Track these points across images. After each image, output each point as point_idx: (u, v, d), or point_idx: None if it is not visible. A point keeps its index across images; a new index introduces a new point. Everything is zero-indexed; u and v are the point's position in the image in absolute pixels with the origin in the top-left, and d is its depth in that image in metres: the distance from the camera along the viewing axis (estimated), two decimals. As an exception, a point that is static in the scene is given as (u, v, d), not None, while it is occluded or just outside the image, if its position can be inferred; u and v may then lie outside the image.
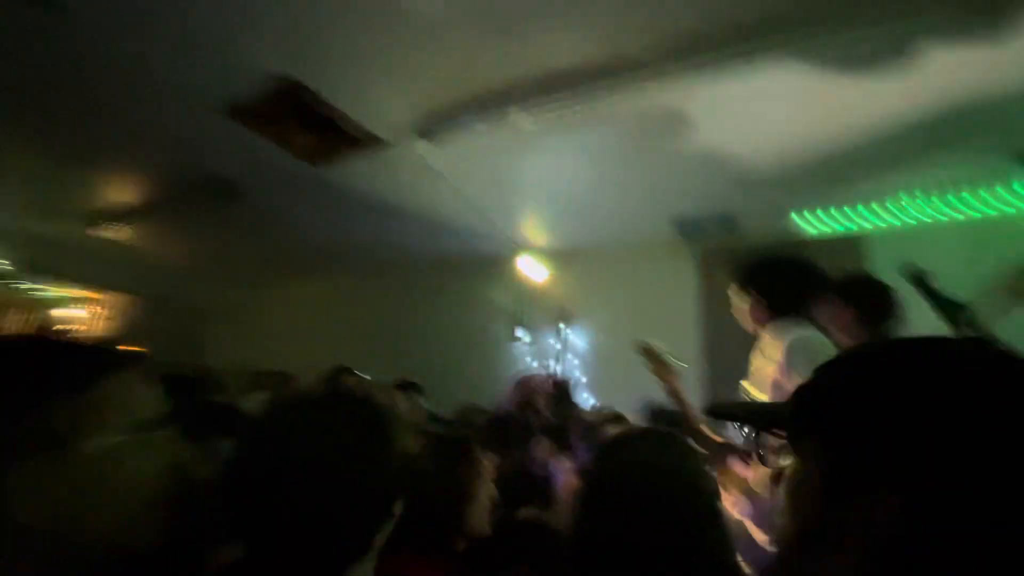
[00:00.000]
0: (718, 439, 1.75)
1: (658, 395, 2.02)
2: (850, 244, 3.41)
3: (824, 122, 2.75)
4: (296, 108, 2.64)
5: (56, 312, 5.67)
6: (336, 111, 2.66)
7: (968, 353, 0.44)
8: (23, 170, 3.62)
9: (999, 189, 2.80)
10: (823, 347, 1.58)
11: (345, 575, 0.63)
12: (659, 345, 1.87)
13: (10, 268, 4.97)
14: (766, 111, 2.69)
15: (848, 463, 0.42)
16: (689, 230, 4.03)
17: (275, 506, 0.61)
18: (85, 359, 0.65)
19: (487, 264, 4.90)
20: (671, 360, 1.85)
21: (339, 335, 5.22)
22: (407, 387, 2.99)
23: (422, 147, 2.96)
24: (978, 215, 2.97)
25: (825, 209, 3.49)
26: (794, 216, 3.65)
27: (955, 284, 1.51)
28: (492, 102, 2.62)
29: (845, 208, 3.38)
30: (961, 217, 3.06)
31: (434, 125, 2.79)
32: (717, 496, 0.71)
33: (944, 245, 2.87)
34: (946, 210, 3.09)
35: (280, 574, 0.61)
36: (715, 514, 0.68)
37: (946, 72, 2.33)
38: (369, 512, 0.64)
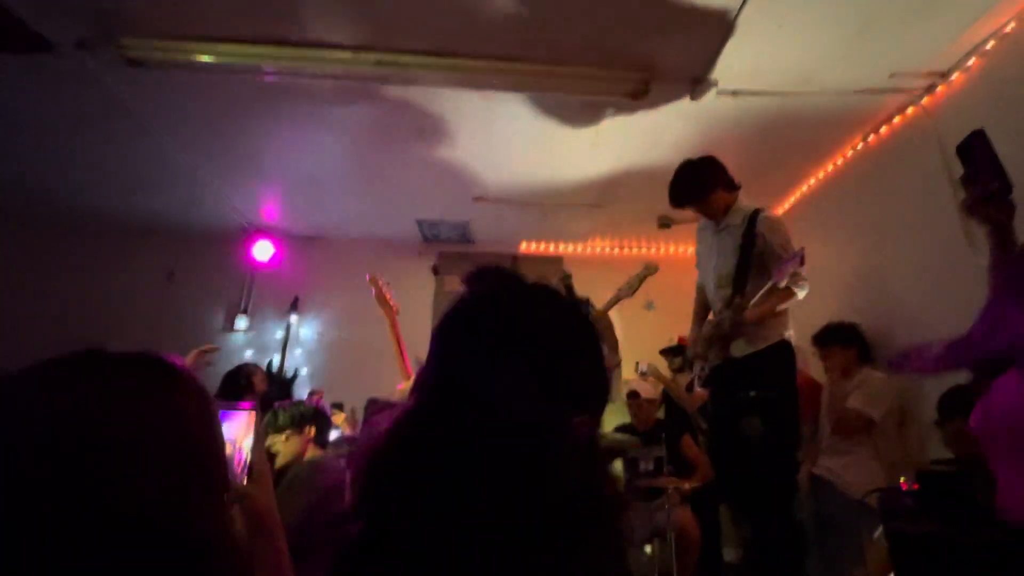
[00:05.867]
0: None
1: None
2: (554, 261, 4.35)
3: (543, 166, 3.29)
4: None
5: None
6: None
7: None
8: None
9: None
10: None
11: None
12: (387, 283, 2.15)
13: None
14: (503, 143, 3.05)
15: None
16: (430, 233, 4.23)
17: None
18: None
19: (205, 238, 4.22)
20: (390, 296, 2.12)
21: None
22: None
23: (118, 67, 2.37)
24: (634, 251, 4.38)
25: (538, 234, 4.31)
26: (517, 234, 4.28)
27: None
28: (226, 39, 2.28)
29: (551, 235, 4.33)
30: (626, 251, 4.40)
31: (135, 46, 2.27)
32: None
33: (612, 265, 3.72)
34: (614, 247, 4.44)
35: None
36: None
37: (616, 145, 3.04)
38: None
